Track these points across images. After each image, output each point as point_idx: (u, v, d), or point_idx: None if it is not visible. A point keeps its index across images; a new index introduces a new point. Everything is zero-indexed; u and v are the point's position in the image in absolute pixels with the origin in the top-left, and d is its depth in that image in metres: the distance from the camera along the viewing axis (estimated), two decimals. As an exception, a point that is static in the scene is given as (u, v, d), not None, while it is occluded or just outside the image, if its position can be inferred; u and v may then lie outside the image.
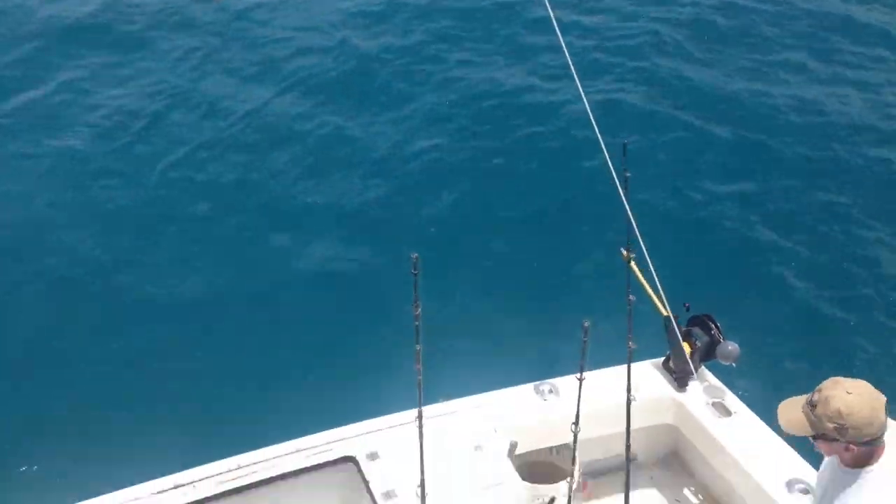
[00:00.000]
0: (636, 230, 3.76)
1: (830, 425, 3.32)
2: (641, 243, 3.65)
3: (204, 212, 8.91)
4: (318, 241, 8.64)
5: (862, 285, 8.25)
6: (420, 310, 2.60)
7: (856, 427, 3.31)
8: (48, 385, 6.89)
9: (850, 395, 3.30)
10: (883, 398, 3.36)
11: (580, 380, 3.17)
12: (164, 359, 7.18)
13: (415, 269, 2.53)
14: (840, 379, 3.39)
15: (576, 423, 3.33)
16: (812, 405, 3.38)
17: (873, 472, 3.45)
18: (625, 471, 5.45)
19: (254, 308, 7.82)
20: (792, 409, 3.47)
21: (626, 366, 5.34)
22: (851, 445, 3.37)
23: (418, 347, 2.70)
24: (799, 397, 3.49)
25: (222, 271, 8.19)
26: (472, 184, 9.36)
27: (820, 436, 3.40)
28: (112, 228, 8.57)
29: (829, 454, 3.52)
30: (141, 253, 8.33)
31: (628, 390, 4.17)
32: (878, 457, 3.44)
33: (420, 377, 2.75)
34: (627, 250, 5.11)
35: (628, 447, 3.85)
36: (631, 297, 3.88)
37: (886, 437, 3.43)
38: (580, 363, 3.13)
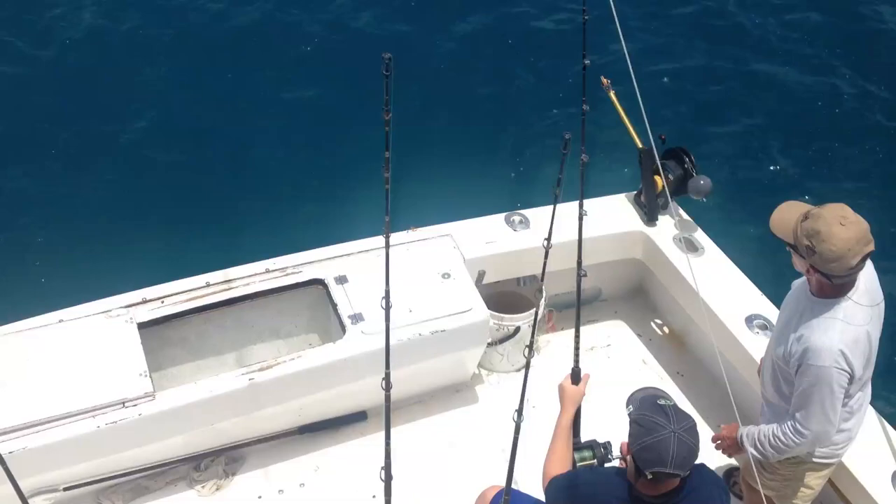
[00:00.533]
0: (629, 60, 3.64)
1: (805, 241, 3.37)
2: (632, 73, 3.53)
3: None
4: (288, 50, 8.42)
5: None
6: (391, 115, 2.50)
7: (823, 256, 3.34)
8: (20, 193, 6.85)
9: (841, 227, 3.31)
10: (869, 248, 3.36)
11: (556, 194, 3.12)
12: (137, 176, 7.14)
13: (386, 70, 2.40)
14: (847, 208, 3.39)
15: (548, 238, 3.29)
16: (805, 216, 3.40)
17: (840, 307, 3.51)
18: (589, 304, 5.58)
19: (224, 125, 7.71)
20: (788, 211, 3.50)
21: (598, 199, 5.37)
22: (812, 270, 3.43)
23: (387, 154, 2.62)
24: (804, 204, 3.51)
25: (189, 88, 8.02)
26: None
27: (793, 247, 3.46)
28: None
29: (798, 269, 3.56)
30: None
31: (580, 206, 4.09)
32: (847, 293, 3.48)
33: (388, 186, 2.69)
34: (608, 79, 5.01)
35: (579, 263, 3.83)
36: (585, 106, 3.77)
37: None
38: (558, 176, 3.07)
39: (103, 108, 7.79)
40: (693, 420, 3.06)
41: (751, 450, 3.82)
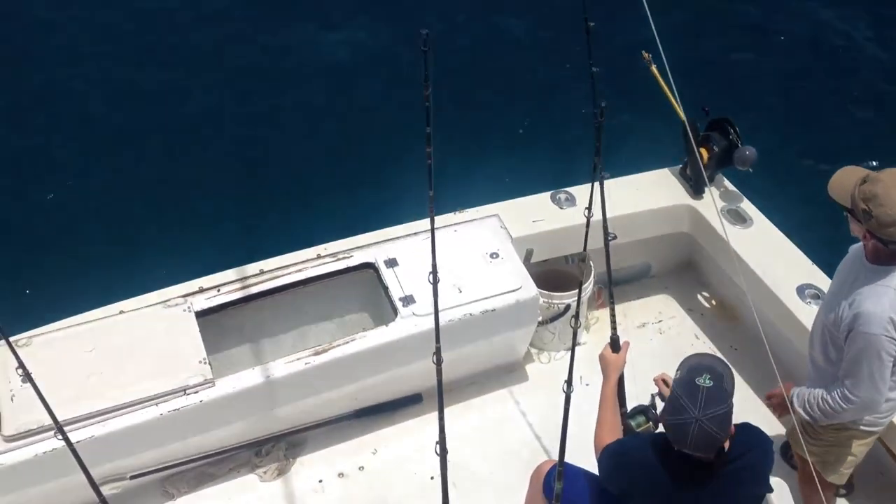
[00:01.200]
0: (655, 33, 3.63)
1: (862, 205, 3.35)
2: (660, 47, 3.52)
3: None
4: (327, 29, 8.43)
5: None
6: (431, 90, 2.52)
7: (879, 220, 3.33)
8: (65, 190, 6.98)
9: None
10: None
11: (598, 169, 3.12)
12: (184, 167, 7.24)
13: (425, 46, 2.43)
14: None
15: (588, 207, 3.31)
16: (864, 179, 3.38)
17: (894, 275, 3.47)
18: (638, 280, 5.58)
19: (273, 113, 7.78)
20: (847, 175, 3.48)
21: (643, 174, 5.36)
22: (868, 234, 3.41)
23: (428, 130, 2.64)
24: (864, 169, 3.48)
25: (232, 70, 8.14)
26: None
27: (850, 211, 3.43)
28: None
29: (855, 234, 3.54)
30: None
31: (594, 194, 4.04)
32: None
33: (430, 161, 2.71)
34: (647, 53, 4.99)
35: (605, 229, 3.78)
36: (594, 68, 3.77)
37: None
38: (596, 146, 3.08)
39: (151, 92, 7.91)
40: (726, 406, 3.05)
41: (800, 411, 3.83)
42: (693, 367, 3.24)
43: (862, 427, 3.83)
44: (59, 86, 7.87)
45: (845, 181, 3.46)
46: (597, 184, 3.45)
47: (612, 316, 4.06)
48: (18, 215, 6.77)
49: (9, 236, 6.55)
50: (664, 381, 3.68)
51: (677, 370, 3.29)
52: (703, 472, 3.13)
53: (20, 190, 6.97)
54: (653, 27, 3.54)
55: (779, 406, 4.03)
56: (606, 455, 3.42)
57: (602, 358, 3.80)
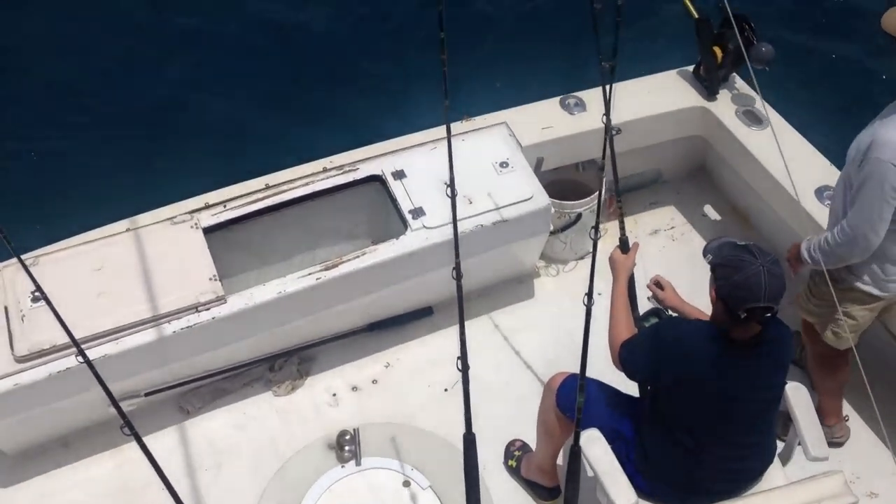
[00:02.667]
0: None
1: None
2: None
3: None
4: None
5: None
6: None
7: None
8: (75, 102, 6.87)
9: None
10: None
11: (611, 67, 3.02)
12: (188, 79, 7.08)
13: None
14: None
15: (606, 113, 3.22)
16: None
17: None
18: (649, 187, 5.49)
19: (271, 18, 7.57)
20: None
21: (654, 76, 5.23)
22: None
23: (442, 35, 2.54)
24: None
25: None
26: None
27: (892, 41, 3.46)
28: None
29: None
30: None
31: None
32: None
33: (445, 68, 2.61)
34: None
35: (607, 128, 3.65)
36: (597, 5, 3.63)
37: None
38: (614, 44, 2.97)
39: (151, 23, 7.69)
40: (774, 254, 3.04)
41: (805, 255, 3.88)
42: (722, 241, 3.28)
43: (862, 286, 3.83)
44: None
45: None
46: (606, 86, 3.35)
47: (621, 217, 4.00)
48: (18, 129, 6.64)
49: (9, 154, 6.45)
50: (656, 284, 3.69)
51: (706, 254, 3.26)
52: (747, 344, 3.12)
53: (21, 107, 6.84)
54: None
55: (793, 260, 4.04)
56: (630, 347, 3.39)
57: (611, 260, 3.77)
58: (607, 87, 3.35)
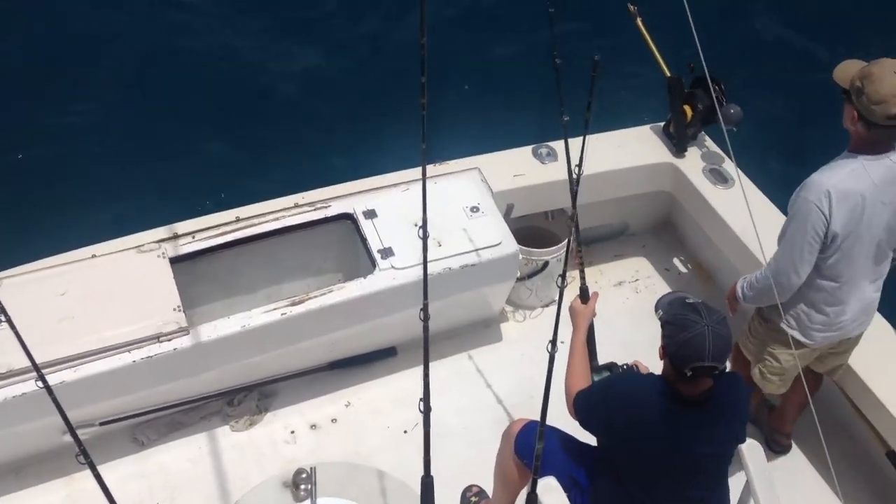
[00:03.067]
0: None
1: (857, 83, 3.50)
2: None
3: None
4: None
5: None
6: (426, 38, 2.44)
7: (869, 96, 3.46)
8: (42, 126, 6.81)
9: (894, 75, 3.42)
10: None
11: (587, 118, 3.10)
12: (163, 106, 7.06)
13: None
14: None
15: (579, 164, 3.31)
16: (868, 63, 3.54)
17: (856, 161, 3.60)
18: (615, 238, 5.56)
19: (251, 54, 7.59)
20: (854, 63, 3.62)
21: (626, 130, 5.32)
22: (855, 117, 3.54)
23: (423, 80, 2.56)
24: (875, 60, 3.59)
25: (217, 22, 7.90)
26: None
27: (846, 92, 3.57)
28: None
29: (846, 124, 3.63)
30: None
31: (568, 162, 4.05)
32: (874, 154, 3.58)
33: (424, 112, 2.63)
34: (634, 6, 4.92)
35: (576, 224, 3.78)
36: (557, 60, 3.73)
37: None
38: (588, 100, 3.04)
39: (127, 27, 7.72)
40: (723, 313, 3.08)
41: (739, 293, 4.01)
42: (672, 297, 3.34)
43: (786, 327, 3.91)
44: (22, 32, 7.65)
45: (851, 66, 3.61)
46: (577, 139, 3.42)
47: (581, 267, 4.05)
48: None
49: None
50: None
51: (657, 309, 3.31)
52: (696, 401, 3.14)
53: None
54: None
55: (730, 299, 4.14)
56: (584, 398, 3.43)
57: (571, 309, 3.81)
58: (570, 140, 3.41)
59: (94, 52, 7.46)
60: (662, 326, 3.15)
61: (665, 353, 3.12)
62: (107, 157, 6.64)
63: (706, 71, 3.53)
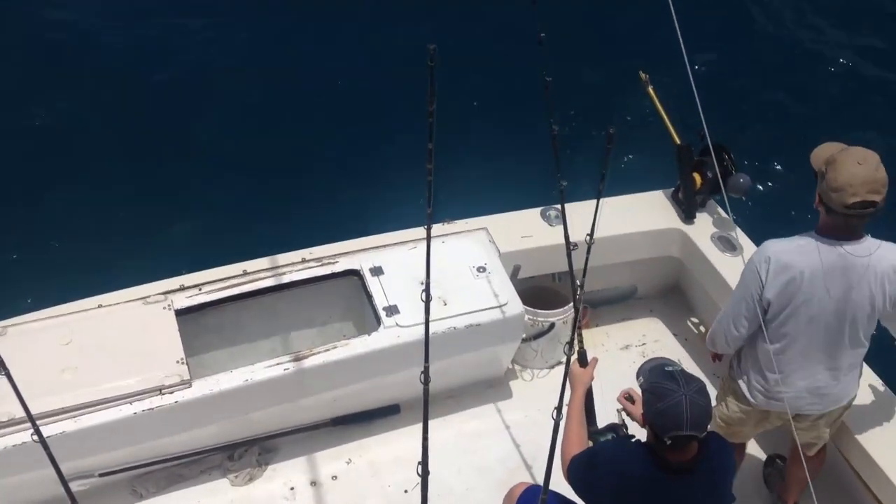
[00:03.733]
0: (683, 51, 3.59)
1: (822, 168, 3.57)
2: (686, 62, 3.51)
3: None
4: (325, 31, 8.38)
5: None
6: (435, 106, 2.47)
7: (828, 183, 3.52)
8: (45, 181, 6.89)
9: (856, 165, 3.48)
10: (872, 196, 3.48)
11: (599, 190, 3.15)
12: (173, 160, 7.15)
13: (431, 61, 2.38)
14: (876, 157, 3.54)
15: (590, 233, 3.38)
16: (840, 149, 3.59)
17: (810, 238, 3.68)
18: (623, 302, 5.55)
19: (263, 114, 7.71)
20: (830, 146, 3.67)
21: (635, 195, 5.34)
22: (818, 200, 3.62)
23: (430, 146, 2.60)
24: (846, 145, 3.65)
25: (224, 68, 8.06)
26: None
27: (816, 174, 3.63)
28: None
29: (815, 204, 3.69)
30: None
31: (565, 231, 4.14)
32: (833, 237, 3.61)
33: (430, 178, 2.66)
34: (646, 74, 4.97)
35: (576, 288, 3.82)
36: (554, 127, 3.78)
37: None
38: (602, 172, 3.07)
39: (137, 87, 7.85)
40: (702, 382, 3.08)
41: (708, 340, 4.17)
42: (654, 364, 3.33)
43: (737, 379, 4.01)
44: (42, 79, 7.78)
45: (826, 150, 3.66)
46: (587, 203, 3.44)
47: (579, 331, 4.03)
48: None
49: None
50: (627, 398, 3.68)
51: (639, 376, 3.30)
52: (684, 468, 3.12)
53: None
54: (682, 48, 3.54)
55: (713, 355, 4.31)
56: (576, 465, 3.41)
57: (570, 373, 3.78)
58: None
59: (98, 99, 7.61)
60: (643, 394, 3.15)
61: (645, 420, 3.12)
62: (115, 208, 6.72)
63: (709, 140, 3.55)
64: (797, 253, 3.66)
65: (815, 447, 4.17)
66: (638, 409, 3.65)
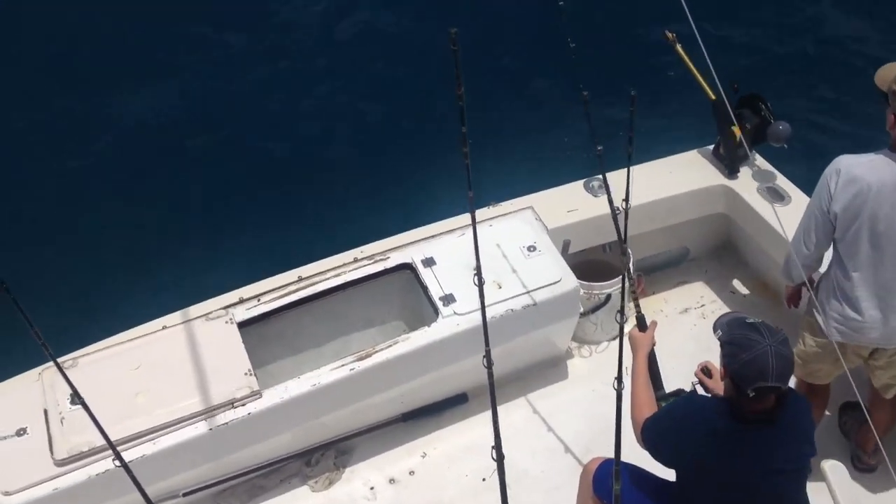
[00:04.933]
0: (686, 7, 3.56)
1: (893, 86, 3.53)
2: (691, 21, 3.48)
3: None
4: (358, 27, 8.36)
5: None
6: (463, 89, 2.48)
7: None
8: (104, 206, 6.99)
9: None
10: None
11: (629, 153, 3.14)
12: (215, 174, 7.25)
13: (454, 45, 2.40)
14: None
15: (626, 198, 3.39)
16: None
17: (882, 154, 3.63)
18: (677, 265, 5.51)
19: (302, 117, 7.77)
20: (892, 67, 3.63)
21: (675, 156, 5.30)
22: (893, 119, 3.57)
23: (464, 129, 2.61)
24: None
25: (260, 72, 8.14)
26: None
27: (884, 97, 3.59)
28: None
29: (887, 126, 3.64)
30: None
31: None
32: None
33: (467, 161, 2.68)
34: (673, 33, 4.92)
35: (624, 248, 3.81)
36: (584, 93, 3.74)
37: None
38: (629, 135, 3.06)
39: (184, 99, 7.96)
40: (784, 333, 3.04)
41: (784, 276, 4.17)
42: (731, 317, 3.29)
43: (815, 314, 3.99)
44: (95, 104, 7.89)
45: (891, 70, 3.61)
46: (625, 170, 3.44)
47: (635, 298, 4.01)
48: (56, 235, 6.76)
49: (48, 257, 6.55)
50: (704, 371, 3.63)
51: (716, 329, 3.26)
52: (763, 419, 3.08)
53: (57, 208, 7.00)
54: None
55: (789, 295, 4.34)
56: (650, 427, 3.38)
57: (630, 337, 3.77)
58: (619, 170, 3.42)
59: (145, 124, 7.70)
60: (722, 346, 3.11)
61: (726, 373, 3.07)
62: (168, 228, 6.81)
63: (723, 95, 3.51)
64: (867, 167, 3.62)
65: (893, 389, 4.12)
66: (715, 384, 3.59)
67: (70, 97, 7.77)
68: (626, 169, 3.45)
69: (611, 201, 4.02)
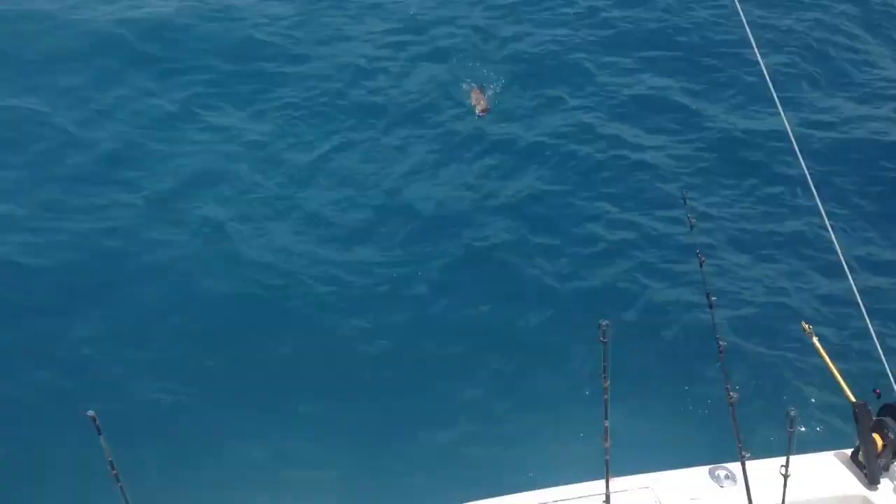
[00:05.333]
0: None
1: None
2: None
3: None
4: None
5: None
6: (609, 382, 2.46)
7: None
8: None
9: None
10: None
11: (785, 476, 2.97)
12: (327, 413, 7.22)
13: (604, 337, 2.41)
14: None
15: None
16: None
17: None
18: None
19: (415, 368, 7.71)
20: None
21: (810, 455, 5.03)
22: None
23: (606, 424, 2.56)
24: None
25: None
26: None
27: None
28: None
29: None
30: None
31: None
32: None
33: (608, 457, 2.61)
34: (809, 325, 4.84)
35: None
36: (721, 342, 3.60)
37: None
38: (786, 454, 2.91)
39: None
40: None
41: None
42: None
43: None
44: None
45: None
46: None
47: None
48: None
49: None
50: None
51: None
52: None
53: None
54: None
55: None
56: None
57: None
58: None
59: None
60: None
61: None
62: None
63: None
64: None
65: None
66: None
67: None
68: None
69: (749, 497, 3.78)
